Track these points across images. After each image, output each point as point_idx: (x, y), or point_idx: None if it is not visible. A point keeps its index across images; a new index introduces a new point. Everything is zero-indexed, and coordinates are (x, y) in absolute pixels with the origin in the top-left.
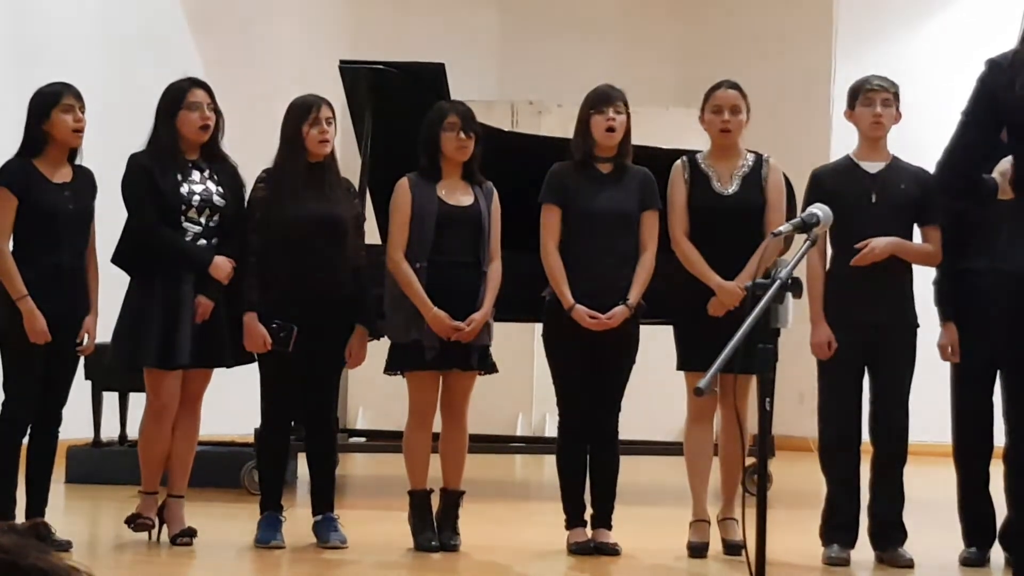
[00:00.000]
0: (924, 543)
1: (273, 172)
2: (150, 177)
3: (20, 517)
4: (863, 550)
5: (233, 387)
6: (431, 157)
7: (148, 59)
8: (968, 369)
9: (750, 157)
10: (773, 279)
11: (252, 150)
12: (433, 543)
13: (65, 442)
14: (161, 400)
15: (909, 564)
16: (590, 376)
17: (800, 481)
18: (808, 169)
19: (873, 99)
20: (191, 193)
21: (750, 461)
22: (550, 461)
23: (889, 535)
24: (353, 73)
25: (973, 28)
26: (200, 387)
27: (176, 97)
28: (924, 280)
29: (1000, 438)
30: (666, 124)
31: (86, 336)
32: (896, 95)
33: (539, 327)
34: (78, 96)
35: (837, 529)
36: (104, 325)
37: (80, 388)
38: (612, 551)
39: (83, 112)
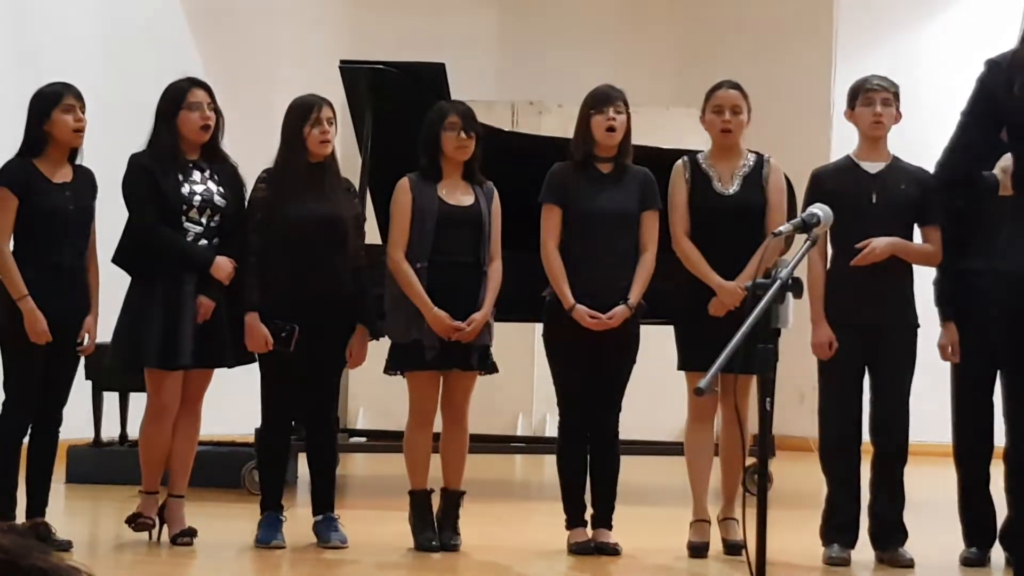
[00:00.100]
0: (924, 543)
1: (274, 172)
2: (151, 177)
3: (20, 517)
4: (863, 550)
5: (233, 387)
6: (431, 157)
7: (148, 59)
8: (968, 369)
9: (751, 157)
10: (773, 279)
11: (252, 150)
12: (433, 543)
13: (65, 442)
14: (162, 400)
15: (909, 564)
16: (590, 376)
17: (800, 481)
18: (808, 169)
19: (873, 99)
20: (192, 193)
21: (750, 461)
22: (550, 461)
23: (889, 535)
24: (353, 73)
25: (974, 28)
26: (201, 387)
27: (176, 97)
28: (924, 280)
29: (1000, 438)
30: (666, 124)
31: (86, 336)
32: (896, 95)
33: (539, 327)
34: (79, 96)
35: (837, 529)
36: (105, 325)
37: (80, 388)
38: (612, 551)
39: (83, 112)
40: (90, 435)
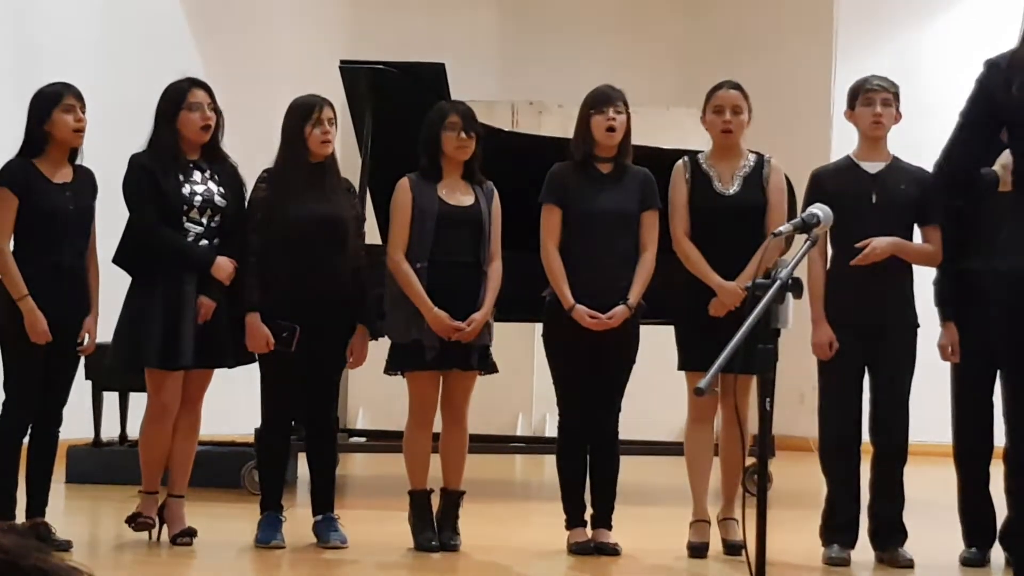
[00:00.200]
0: (924, 543)
1: (274, 172)
2: (152, 177)
3: (20, 517)
4: (863, 550)
5: (233, 387)
6: (432, 157)
7: (148, 59)
8: (968, 369)
9: (751, 157)
10: (773, 279)
11: (252, 150)
12: (433, 543)
13: (65, 442)
14: (162, 400)
15: (909, 564)
16: (590, 376)
17: (800, 481)
18: (808, 169)
19: (873, 99)
20: (193, 194)
21: (750, 461)
22: (550, 461)
23: (889, 535)
24: (353, 73)
25: (974, 28)
26: (201, 387)
27: (176, 98)
28: (924, 280)
29: (1000, 438)
30: (667, 124)
31: (86, 336)
32: (896, 95)
33: (539, 327)
34: (79, 96)
35: (837, 529)
36: (105, 325)
37: (80, 388)
38: (612, 551)
39: (84, 112)
40: (90, 435)
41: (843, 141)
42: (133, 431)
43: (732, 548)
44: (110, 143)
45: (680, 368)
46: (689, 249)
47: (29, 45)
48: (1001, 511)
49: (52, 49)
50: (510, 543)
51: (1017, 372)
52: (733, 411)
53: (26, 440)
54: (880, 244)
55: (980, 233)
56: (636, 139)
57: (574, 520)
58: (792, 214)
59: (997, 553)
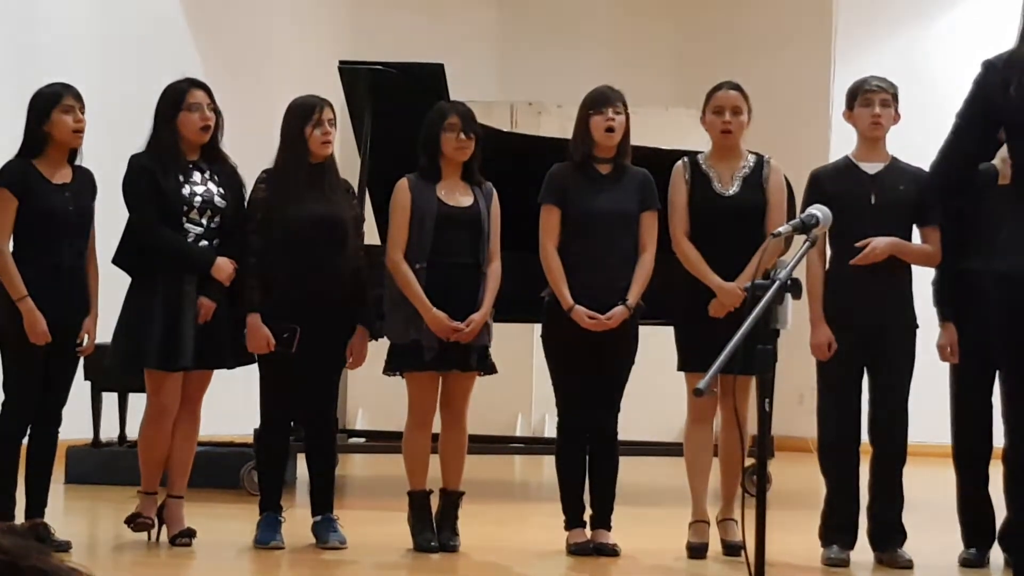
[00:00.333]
0: (924, 544)
1: (274, 173)
2: (152, 178)
3: (19, 517)
4: (862, 551)
5: (233, 387)
6: (431, 157)
7: (148, 59)
8: (967, 370)
9: (751, 158)
10: (772, 280)
11: (251, 150)
12: (432, 544)
13: (65, 442)
14: (162, 401)
15: (908, 565)
16: (589, 377)
17: (800, 482)
18: (807, 170)
19: (872, 100)
20: (192, 194)
21: (750, 462)
22: (550, 462)
23: (888, 536)
24: (353, 73)
25: (974, 29)
26: (200, 388)
27: (176, 98)
28: (924, 280)
29: (999, 439)
30: (666, 125)
31: (86, 337)
32: (895, 96)
33: (538, 328)
34: (78, 97)
35: (836, 530)
36: (104, 326)
37: (80, 388)
38: (611, 552)
39: (83, 113)
40: (89, 435)
41: (842, 142)
42: (132, 432)
43: (731, 549)
44: (110, 143)
45: (679, 369)
46: (689, 250)
47: (29, 45)
48: (1000, 512)
49: (52, 49)
50: (509, 544)
51: (1016, 373)
52: (732, 412)
53: (25, 440)
54: (880, 244)
55: (979, 233)
56: (635, 140)
57: (573, 521)
58: (791, 215)
59: (996, 554)
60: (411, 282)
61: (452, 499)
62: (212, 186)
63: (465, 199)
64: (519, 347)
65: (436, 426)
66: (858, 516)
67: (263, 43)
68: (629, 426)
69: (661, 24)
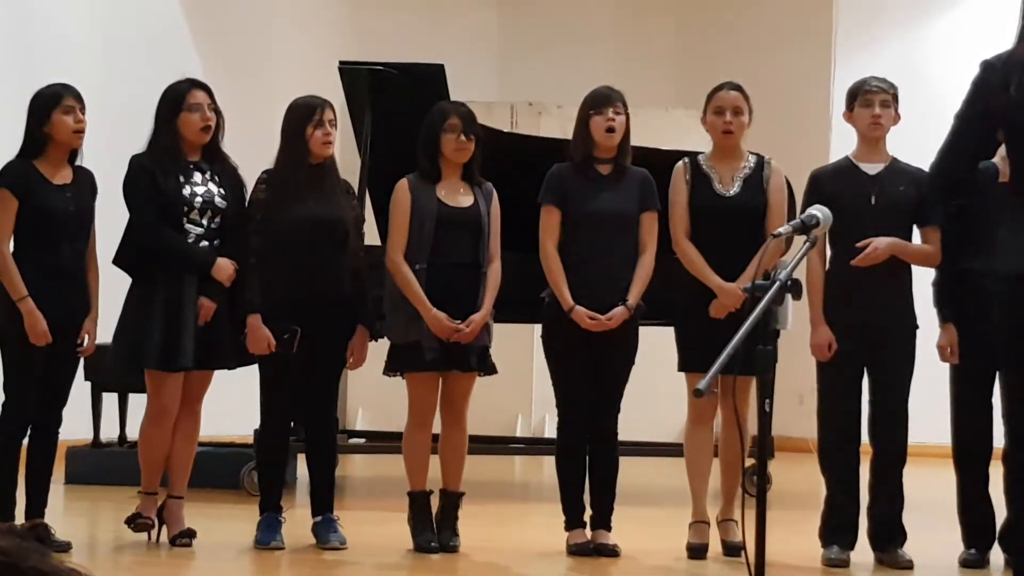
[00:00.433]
0: (924, 544)
1: (274, 173)
2: (152, 179)
3: (19, 518)
4: (863, 551)
5: (233, 387)
6: (431, 158)
7: (148, 60)
8: (968, 370)
9: (752, 158)
10: (773, 280)
11: (251, 150)
12: (432, 544)
13: (65, 443)
14: (162, 402)
15: (908, 565)
16: (589, 377)
17: (800, 482)
18: (807, 170)
19: (872, 100)
20: (193, 195)
21: (750, 462)
22: (550, 462)
23: (889, 536)
24: (353, 74)
25: (974, 29)
26: (201, 388)
27: (176, 99)
28: (924, 281)
29: (1000, 439)
30: (667, 125)
31: (86, 337)
32: (895, 96)
33: (538, 328)
34: (78, 97)
35: (836, 530)
36: (105, 326)
37: (80, 389)
38: (611, 552)
39: (83, 113)
40: (89, 436)
41: (843, 142)
42: (132, 432)
43: (731, 549)
44: (110, 144)
45: (680, 369)
46: (689, 250)
47: (29, 45)
48: (1000, 512)
49: (52, 49)
50: (509, 544)
51: (1016, 373)
52: (732, 412)
53: (25, 441)
54: (880, 244)
55: (980, 234)
56: (635, 140)
57: (573, 521)
58: (792, 215)
59: (996, 554)
60: (411, 282)
61: (452, 499)
62: (213, 187)
63: (465, 199)
64: (519, 347)
65: (436, 427)
66: (858, 516)
67: (263, 43)
68: (629, 426)
69: (661, 24)
